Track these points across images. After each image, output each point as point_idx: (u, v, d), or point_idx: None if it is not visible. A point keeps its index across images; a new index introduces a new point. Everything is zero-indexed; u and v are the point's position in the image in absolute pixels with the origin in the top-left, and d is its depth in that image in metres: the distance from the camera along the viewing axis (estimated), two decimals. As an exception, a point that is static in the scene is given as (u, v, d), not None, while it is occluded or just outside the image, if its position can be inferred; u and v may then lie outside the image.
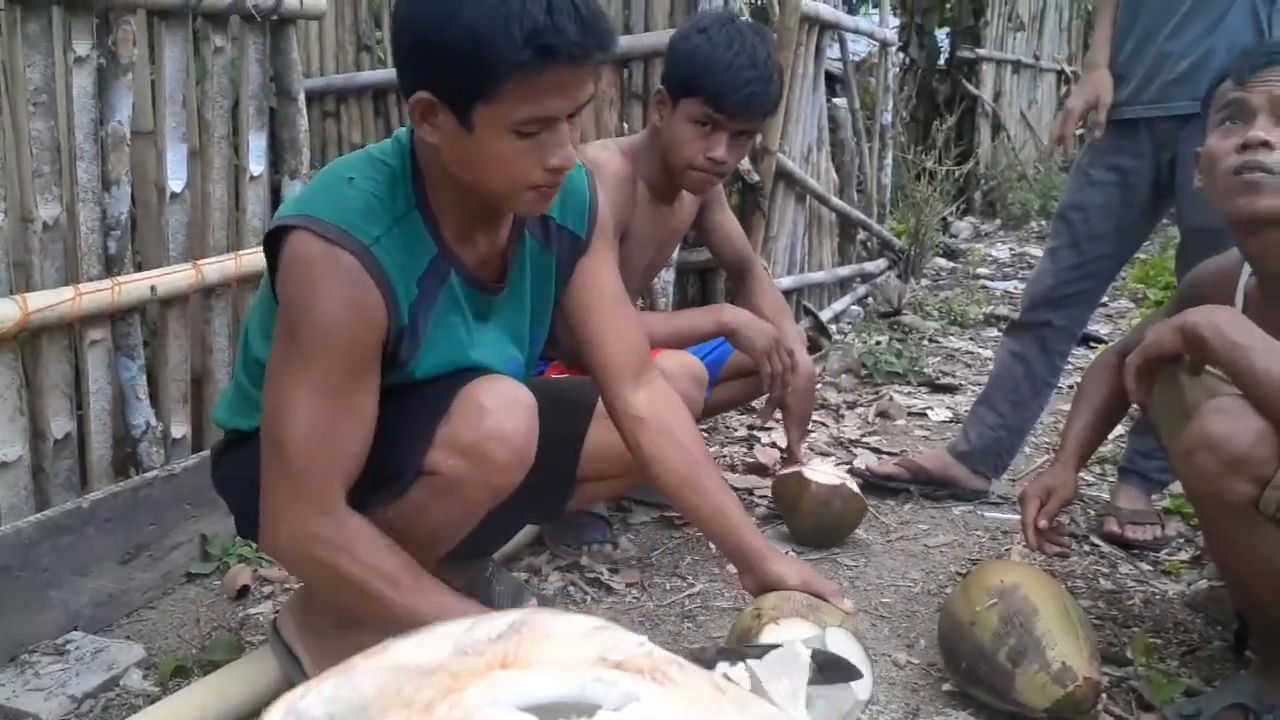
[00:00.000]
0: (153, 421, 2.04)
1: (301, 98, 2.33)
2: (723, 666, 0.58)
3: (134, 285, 1.92)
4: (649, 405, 1.55)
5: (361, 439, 1.33)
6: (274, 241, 1.32)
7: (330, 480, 1.30)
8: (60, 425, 1.87)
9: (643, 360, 1.58)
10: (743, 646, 1.36)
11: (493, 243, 1.45)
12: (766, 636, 1.39)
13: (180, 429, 2.12)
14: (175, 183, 2.03)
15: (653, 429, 1.54)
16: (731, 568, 2.06)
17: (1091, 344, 3.95)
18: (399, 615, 1.28)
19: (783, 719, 0.53)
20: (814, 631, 1.40)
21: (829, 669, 1.35)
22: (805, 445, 2.35)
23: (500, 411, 1.36)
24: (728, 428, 2.90)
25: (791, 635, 1.38)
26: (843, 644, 1.41)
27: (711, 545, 2.17)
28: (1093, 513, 2.39)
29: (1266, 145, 1.44)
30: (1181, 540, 2.23)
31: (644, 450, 1.55)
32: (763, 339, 2.11)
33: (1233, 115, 1.51)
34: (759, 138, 3.16)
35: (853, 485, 2.18)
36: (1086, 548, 2.21)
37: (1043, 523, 1.81)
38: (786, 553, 2.06)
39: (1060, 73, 8.85)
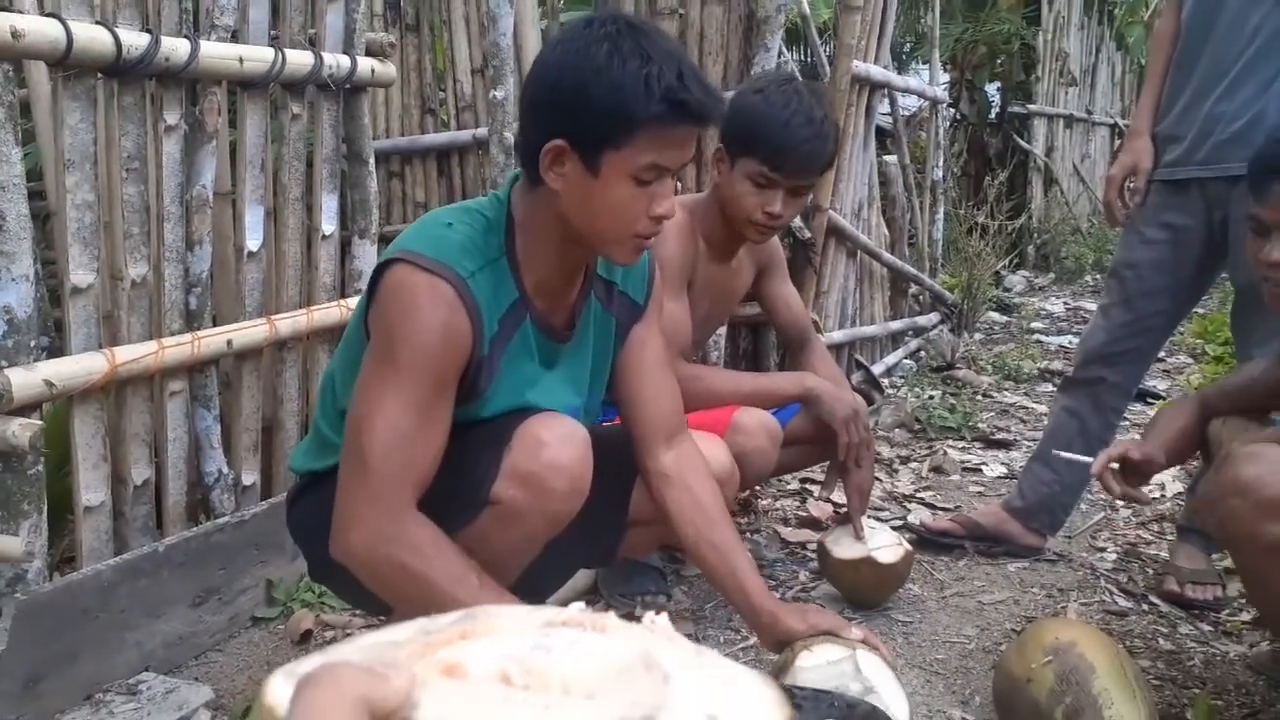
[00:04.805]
0: (225, 469, 2.13)
1: (372, 161, 2.44)
2: (667, 625, 0.67)
3: (212, 339, 2.01)
4: (675, 464, 1.64)
5: (435, 451, 1.41)
6: (375, 280, 1.43)
7: (405, 486, 1.38)
8: (140, 472, 1.96)
9: (677, 423, 1.68)
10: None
11: (564, 299, 1.56)
12: (801, 662, 1.48)
13: (250, 476, 2.20)
14: (252, 242, 2.14)
15: (676, 486, 1.63)
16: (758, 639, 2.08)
17: (1148, 400, 3.90)
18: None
19: (708, 652, 0.59)
20: (845, 653, 1.49)
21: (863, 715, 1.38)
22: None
23: (557, 443, 1.45)
24: (780, 481, 2.92)
25: (825, 658, 1.48)
26: (870, 663, 1.48)
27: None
28: (1152, 571, 2.37)
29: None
30: (1243, 600, 2.19)
31: (666, 505, 1.64)
32: (843, 408, 2.15)
33: (1254, 228, 1.61)
34: (810, 196, 3.21)
35: (894, 550, 2.12)
36: (1145, 607, 2.19)
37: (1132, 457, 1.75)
38: (843, 611, 2.07)
39: (1114, 126, 8.82)
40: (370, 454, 1.37)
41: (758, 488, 2.77)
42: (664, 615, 0.66)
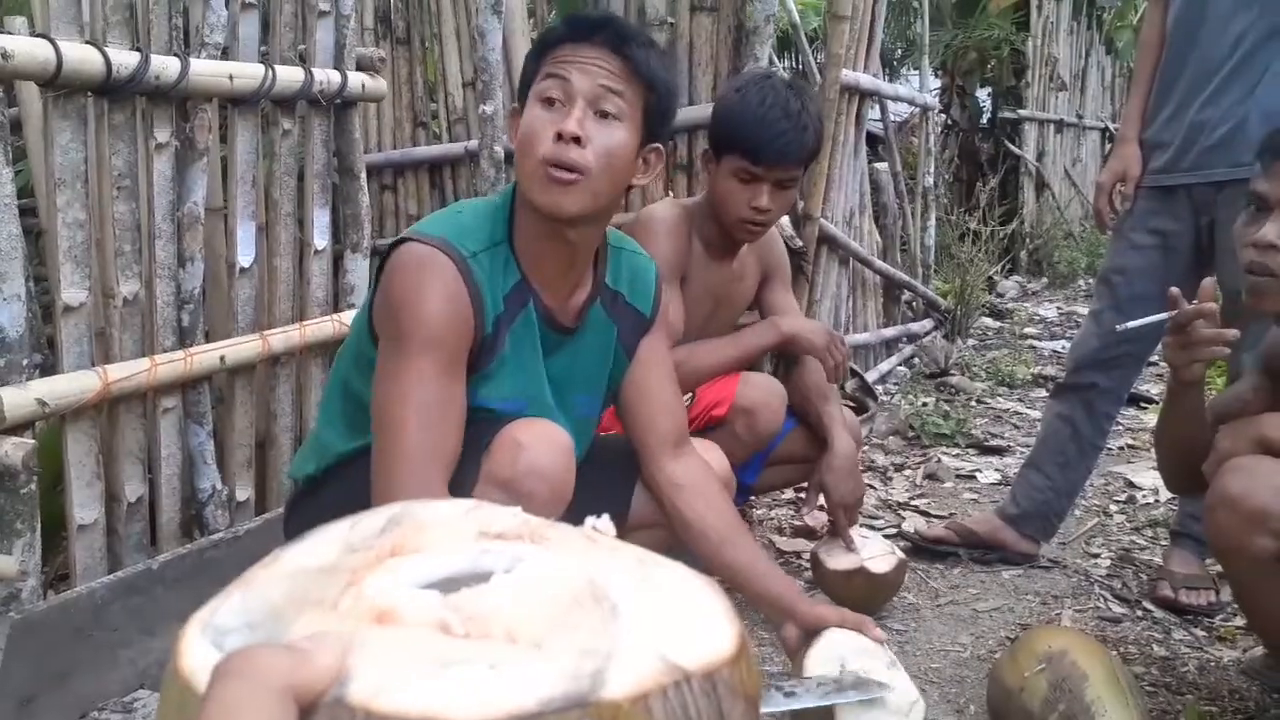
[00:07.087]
0: (219, 485, 2.12)
1: (363, 175, 2.44)
2: (610, 529, 0.62)
3: (205, 356, 2.01)
4: (687, 474, 1.67)
5: (459, 428, 1.44)
6: (383, 262, 1.50)
7: (439, 465, 1.40)
8: (133, 489, 1.96)
9: (683, 434, 1.71)
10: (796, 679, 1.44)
11: (567, 295, 1.60)
12: (831, 634, 1.51)
13: (244, 492, 2.19)
14: (244, 258, 2.14)
15: (690, 494, 1.65)
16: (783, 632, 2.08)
17: (1140, 404, 3.91)
18: None
19: (652, 559, 0.56)
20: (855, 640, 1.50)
21: (857, 687, 1.40)
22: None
23: (536, 448, 1.45)
24: (776, 490, 2.92)
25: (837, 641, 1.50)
26: (876, 651, 1.50)
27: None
28: (1145, 577, 2.37)
29: (1274, 248, 1.47)
30: (1236, 605, 2.19)
31: (683, 513, 1.65)
32: (820, 336, 2.24)
33: (1256, 204, 1.54)
34: (801, 204, 3.22)
35: (887, 559, 2.13)
36: (1139, 613, 2.19)
37: None
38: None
39: (1104, 131, 8.85)
40: (405, 429, 1.39)
41: (752, 499, 2.77)
42: (605, 519, 0.61)
